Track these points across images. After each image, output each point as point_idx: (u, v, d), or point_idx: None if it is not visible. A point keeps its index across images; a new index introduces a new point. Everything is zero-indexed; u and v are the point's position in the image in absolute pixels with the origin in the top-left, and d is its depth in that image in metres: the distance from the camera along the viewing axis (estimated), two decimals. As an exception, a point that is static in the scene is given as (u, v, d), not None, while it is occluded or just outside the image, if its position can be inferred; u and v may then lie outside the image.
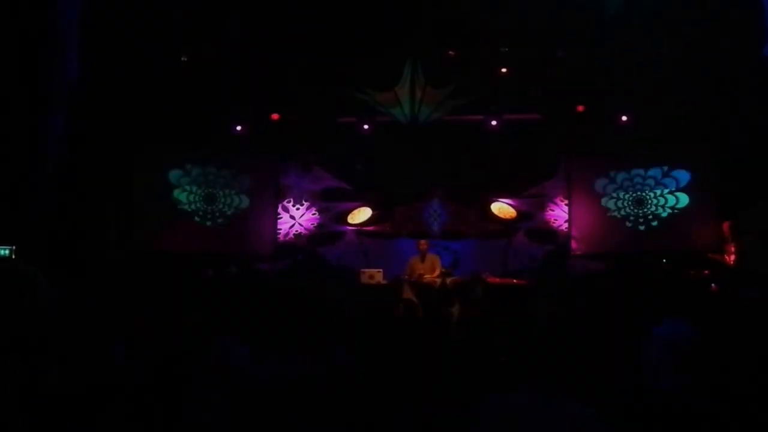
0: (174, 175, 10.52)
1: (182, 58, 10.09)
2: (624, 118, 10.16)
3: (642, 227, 10.16)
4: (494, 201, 10.81)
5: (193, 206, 10.53)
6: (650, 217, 10.14)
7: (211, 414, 3.28)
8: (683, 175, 10.01)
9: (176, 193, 10.48)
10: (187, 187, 10.55)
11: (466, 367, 4.01)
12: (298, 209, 10.97)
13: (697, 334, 4.14)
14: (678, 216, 9.97)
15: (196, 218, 10.52)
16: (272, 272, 10.57)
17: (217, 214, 10.61)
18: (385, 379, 3.70)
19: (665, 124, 9.53)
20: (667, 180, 10.13)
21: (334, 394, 3.32)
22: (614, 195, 10.35)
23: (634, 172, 10.29)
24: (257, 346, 3.91)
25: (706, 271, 8.13)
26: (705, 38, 8.70)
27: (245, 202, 10.73)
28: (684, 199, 9.96)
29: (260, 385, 3.33)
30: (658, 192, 10.12)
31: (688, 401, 3.88)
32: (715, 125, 9.18)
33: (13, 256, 8.42)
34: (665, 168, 10.12)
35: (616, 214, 10.30)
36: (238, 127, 10.70)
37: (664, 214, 10.06)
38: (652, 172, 10.21)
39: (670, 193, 10.07)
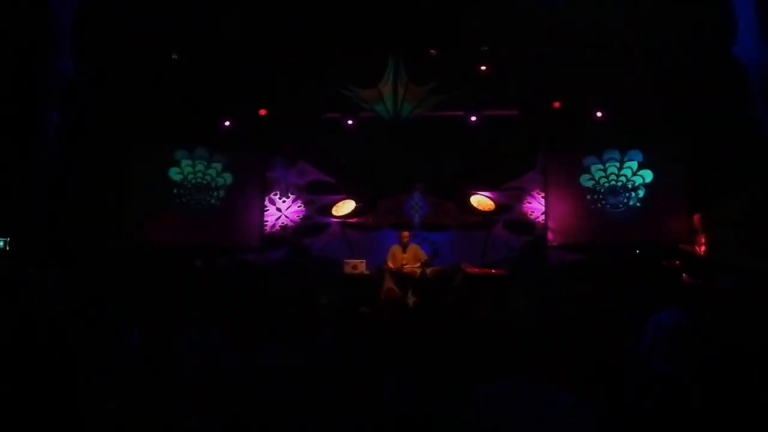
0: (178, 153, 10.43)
1: (173, 56, 9.89)
2: (599, 114, 10.09)
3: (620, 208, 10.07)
4: (473, 194, 10.68)
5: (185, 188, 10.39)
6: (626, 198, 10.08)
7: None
8: (637, 156, 10.03)
9: (172, 172, 10.35)
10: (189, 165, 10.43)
11: (449, 356, 3.84)
12: (284, 202, 10.82)
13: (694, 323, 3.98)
14: (650, 200, 9.88)
15: (184, 200, 10.36)
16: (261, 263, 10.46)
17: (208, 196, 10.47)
18: (369, 368, 3.55)
19: (638, 119, 9.43)
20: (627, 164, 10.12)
21: (319, 383, 3.16)
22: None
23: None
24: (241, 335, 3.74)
25: (678, 262, 8.03)
26: (677, 37, 8.60)
27: (229, 179, 10.58)
28: (648, 175, 9.93)
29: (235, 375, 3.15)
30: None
31: (667, 386, 3.73)
32: (687, 121, 9.09)
33: (8, 248, 8.26)
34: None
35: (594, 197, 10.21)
36: (227, 123, 10.61)
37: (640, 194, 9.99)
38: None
39: (634, 174, 10.03)
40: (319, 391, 3.12)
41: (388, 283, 8.61)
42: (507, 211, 10.64)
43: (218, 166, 10.55)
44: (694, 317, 3.71)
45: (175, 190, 10.33)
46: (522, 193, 10.64)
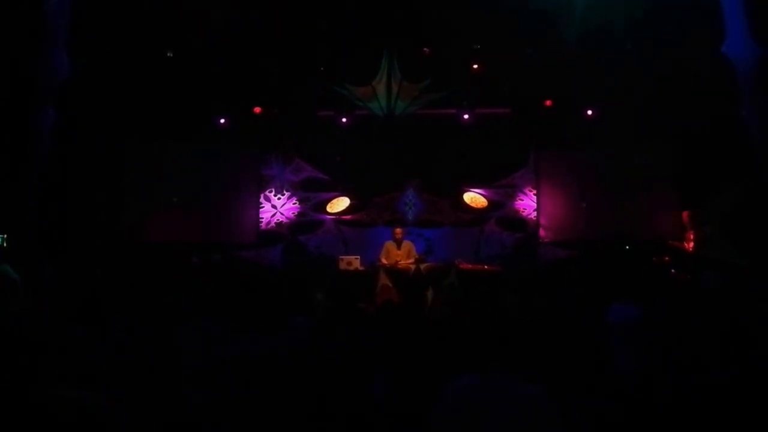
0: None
1: (168, 54, 9.87)
2: (589, 112, 10.18)
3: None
4: (466, 191, 10.75)
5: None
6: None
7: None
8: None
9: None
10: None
11: (438, 351, 3.87)
12: (279, 199, 10.85)
13: (649, 316, 4.02)
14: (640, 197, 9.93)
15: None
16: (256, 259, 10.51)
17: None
18: (358, 362, 3.58)
19: (628, 118, 9.49)
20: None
21: (307, 375, 3.19)
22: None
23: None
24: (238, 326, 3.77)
25: (667, 258, 8.12)
26: (667, 36, 8.65)
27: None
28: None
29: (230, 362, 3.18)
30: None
31: (647, 383, 3.76)
32: (677, 119, 9.16)
33: (5, 245, 8.26)
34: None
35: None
36: (222, 120, 10.61)
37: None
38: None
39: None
40: (309, 383, 3.15)
41: (383, 280, 8.64)
42: (499, 208, 10.71)
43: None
44: (648, 312, 3.75)
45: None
46: (514, 191, 10.72)
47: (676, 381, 3.13)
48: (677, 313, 4.15)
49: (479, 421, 2.41)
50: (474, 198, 10.76)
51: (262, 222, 10.73)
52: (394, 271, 8.75)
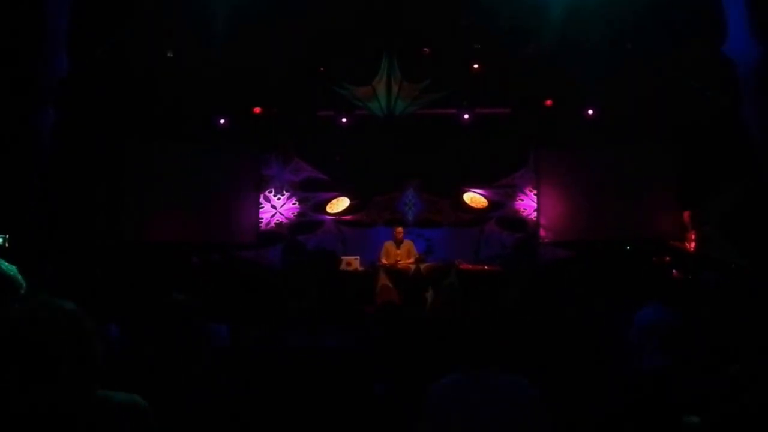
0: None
1: (168, 54, 9.86)
2: (590, 112, 10.17)
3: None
4: (466, 191, 10.76)
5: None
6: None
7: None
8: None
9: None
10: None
11: (438, 351, 3.87)
12: (279, 199, 10.85)
13: (683, 318, 4.03)
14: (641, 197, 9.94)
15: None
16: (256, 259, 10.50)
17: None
18: (357, 361, 3.59)
19: (628, 117, 9.49)
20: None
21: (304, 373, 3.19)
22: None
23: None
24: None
25: (668, 258, 8.12)
26: (667, 36, 8.64)
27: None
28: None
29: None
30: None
31: (655, 382, 3.77)
32: (677, 119, 9.15)
33: (7, 245, 8.26)
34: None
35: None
36: (222, 120, 10.60)
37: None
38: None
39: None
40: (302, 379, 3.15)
41: (383, 280, 8.64)
42: (499, 208, 10.72)
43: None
44: (677, 312, 3.77)
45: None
46: (514, 191, 10.73)
47: (696, 380, 3.15)
48: (703, 314, 4.16)
49: (465, 417, 2.42)
50: (474, 198, 10.76)
51: (261, 222, 10.73)
52: (394, 271, 8.75)
